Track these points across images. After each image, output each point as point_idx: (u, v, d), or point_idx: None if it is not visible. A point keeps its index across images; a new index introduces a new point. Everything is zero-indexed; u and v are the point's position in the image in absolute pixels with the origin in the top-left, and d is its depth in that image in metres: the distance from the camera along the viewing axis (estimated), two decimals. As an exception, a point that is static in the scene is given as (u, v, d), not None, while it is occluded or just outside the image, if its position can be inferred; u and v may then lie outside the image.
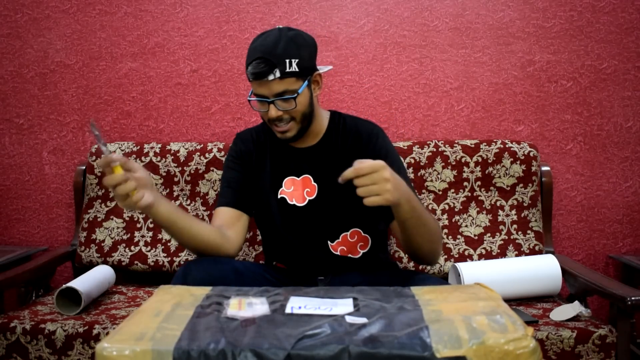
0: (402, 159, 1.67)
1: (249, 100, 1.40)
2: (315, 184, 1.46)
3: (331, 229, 1.46)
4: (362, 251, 1.47)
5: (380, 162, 1.12)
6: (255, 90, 1.36)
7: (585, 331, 1.48)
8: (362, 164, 1.11)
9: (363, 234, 1.47)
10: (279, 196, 1.47)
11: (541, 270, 1.73)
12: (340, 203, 1.44)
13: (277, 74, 1.31)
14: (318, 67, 1.43)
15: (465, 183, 1.94)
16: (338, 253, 1.46)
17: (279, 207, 1.47)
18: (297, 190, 1.46)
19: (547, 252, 1.91)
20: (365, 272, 1.46)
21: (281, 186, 1.47)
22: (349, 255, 1.46)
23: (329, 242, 1.46)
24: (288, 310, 0.89)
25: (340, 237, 1.46)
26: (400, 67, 2.11)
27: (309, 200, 1.45)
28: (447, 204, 1.94)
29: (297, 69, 1.32)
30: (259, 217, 1.55)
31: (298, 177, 1.47)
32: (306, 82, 1.36)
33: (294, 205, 1.45)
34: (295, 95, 1.34)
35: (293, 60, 1.32)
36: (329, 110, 1.54)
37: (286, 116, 1.37)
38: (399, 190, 1.14)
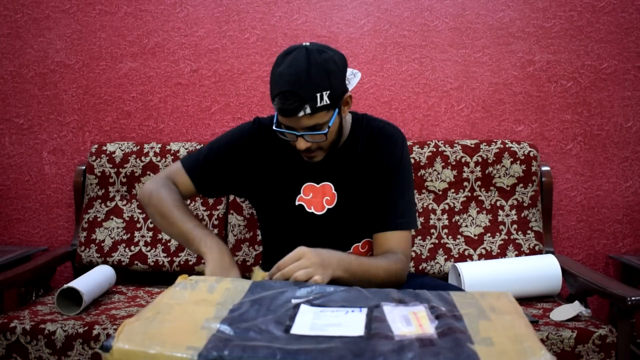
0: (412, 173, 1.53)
1: (275, 130, 1.30)
2: (336, 193, 1.38)
3: (345, 239, 1.40)
4: None
5: (298, 250, 1.11)
6: (282, 121, 1.26)
7: (586, 331, 1.48)
8: (281, 260, 1.11)
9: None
10: (296, 203, 1.38)
11: (541, 270, 1.73)
12: (358, 213, 1.38)
13: (308, 110, 1.19)
14: (347, 78, 1.31)
15: (465, 183, 1.94)
16: None
17: (296, 215, 1.38)
18: (316, 198, 1.38)
19: (547, 252, 1.91)
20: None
21: (299, 193, 1.38)
22: None
23: None
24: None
25: (352, 248, 1.40)
26: (400, 67, 2.11)
27: (328, 209, 1.38)
28: (447, 204, 1.94)
29: (328, 102, 1.21)
30: (267, 221, 1.47)
31: (318, 184, 1.38)
32: (337, 110, 1.26)
33: (312, 213, 1.38)
34: (327, 130, 1.25)
35: (324, 93, 1.20)
36: (352, 112, 1.44)
37: (314, 146, 1.29)
38: (331, 265, 1.13)
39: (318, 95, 1.19)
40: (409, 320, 0.86)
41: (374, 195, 1.38)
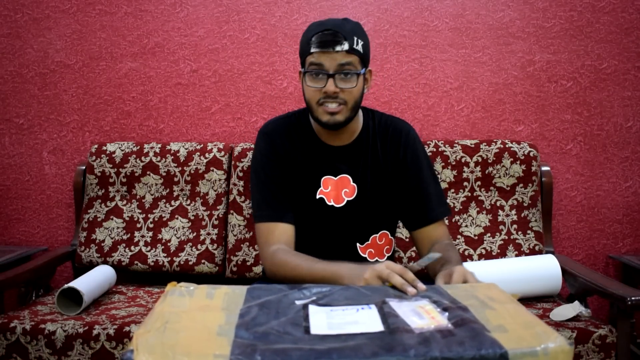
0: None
1: (304, 73, 1.31)
2: (355, 185, 1.41)
3: (363, 230, 1.43)
4: (387, 255, 1.46)
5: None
6: (316, 59, 1.29)
7: (585, 331, 1.48)
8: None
9: (390, 236, 1.46)
10: (317, 196, 1.41)
11: (541, 270, 1.73)
12: (377, 204, 1.41)
13: (345, 47, 1.27)
14: None
15: (465, 183, 1.94)
16: (366, 256, 1.43)
17: (317, 208, 1.41)
18: (334, 191, 1.41)
19: (547, 252, 1.91)
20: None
21: (319, 186, 1.41)
22: (377, 258, 1.44)
23: (357, 245, 1.43)
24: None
25: (370, 239, 1.43)
26: (400, 67, 2.11)
27: (347, 201, 1.40)
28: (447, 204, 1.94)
29: (361, 51, 1.30)
30: None
31: (335, 176, 1.41)
32: (364, 69, 1.32)
33: (332, 206, 1.40)
34: (358, 73, 1.30)
35: (360, 40, 1.30)
36: (360, 107, 1.46)
37: (341, 96, 1.31)
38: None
39: (355, 38, 1.29)
40: (419, 314, 0.86)
41: (404, 193, 1.42)
